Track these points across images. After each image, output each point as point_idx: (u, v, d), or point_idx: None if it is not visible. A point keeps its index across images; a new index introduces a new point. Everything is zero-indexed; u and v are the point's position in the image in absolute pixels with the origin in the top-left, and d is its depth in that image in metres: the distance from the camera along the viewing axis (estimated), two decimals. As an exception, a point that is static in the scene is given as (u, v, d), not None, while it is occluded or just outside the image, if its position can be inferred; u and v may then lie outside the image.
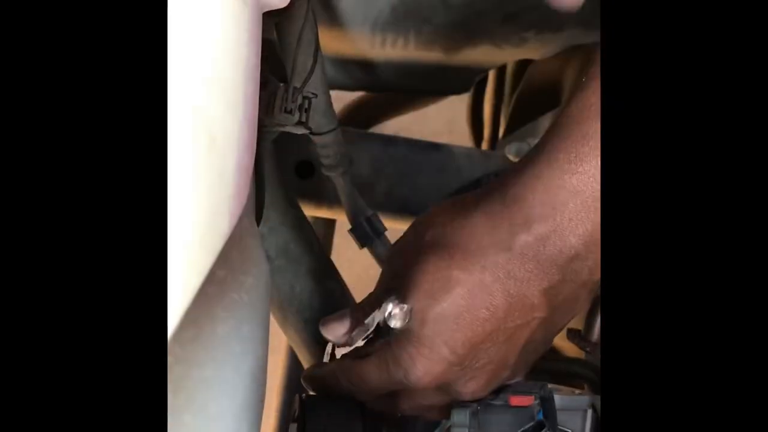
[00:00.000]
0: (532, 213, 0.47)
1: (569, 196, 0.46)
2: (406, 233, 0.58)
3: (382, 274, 0.59)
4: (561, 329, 0.55)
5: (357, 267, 1.31)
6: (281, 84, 0.56)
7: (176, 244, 0.28)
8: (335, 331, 0.60)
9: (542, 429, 0.54)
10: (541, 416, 0.55)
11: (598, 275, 0.49)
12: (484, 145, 1.07)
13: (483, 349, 0.52)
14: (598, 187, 0.45)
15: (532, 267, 0.49)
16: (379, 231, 0.70)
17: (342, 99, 0.96)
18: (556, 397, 0.58)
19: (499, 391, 0.55)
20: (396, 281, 0.55)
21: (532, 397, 0.55)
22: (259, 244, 0.46)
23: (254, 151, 0.42)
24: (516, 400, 0.55)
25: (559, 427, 0.58)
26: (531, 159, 0.48)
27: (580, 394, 0.60)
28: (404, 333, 0.53)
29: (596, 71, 0.46)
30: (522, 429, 0.54)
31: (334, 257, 0.95)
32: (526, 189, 0.47)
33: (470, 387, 0.54)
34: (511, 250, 0.48)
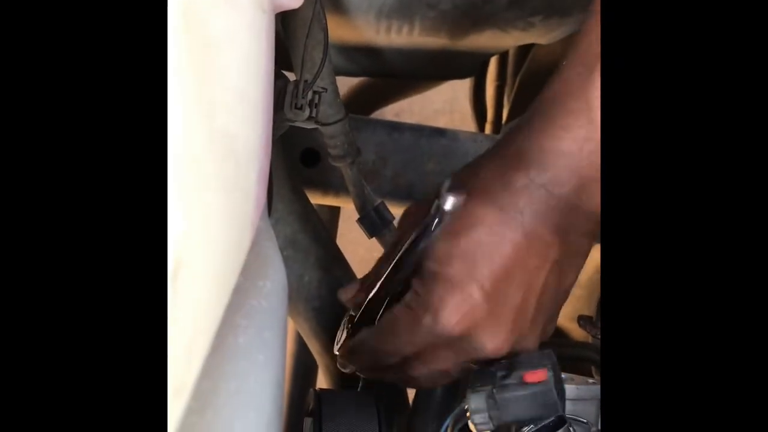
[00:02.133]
0: (531, 164, 0.54)
1: (559, 156, 0.53)
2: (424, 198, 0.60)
3: (400, 225, 0.61)
4: (566, 292, 0.58)
5: (361, 250, 1.31)
6: (291, 80, 0.56)
7: (204, 268, 0.27)
8: (344, 295, 0.62)
9: (563, 425, 0.54)
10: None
11: (592, 225, 0.55)
12: (488, 128, 1.06)
13: (506, 290, 0.54)
14: (582, 148, 0.53)
15: (540, 209, 0.54)
16: (388, 220, 0.70)
17: (345, 83, 0.96)
18: (570, 388, 0.58)
19: (511, 369, 0.55)
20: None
21: (546, 370, 0.54)
22: (275, 246, 0.45)
23: (270, 155, 0.42)
24: (530, 377, 0.55)
25: (574, 417, 0.58)
26: (528, 122, 0.55)
27: (593, 383, 0.60)
28: (434, 275, 0.54)
29: (573, 55, 0.54)
30: (543, 424, 0.54)
31: (338, 239, 0.95)
32: (523, 149, 0.54)
33: (494, 341, 0.55)
34: (515, 188, 0.54)
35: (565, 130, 0.53)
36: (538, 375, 0.54)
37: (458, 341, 0.55)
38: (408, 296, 0.56)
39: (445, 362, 0.57)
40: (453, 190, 0.54)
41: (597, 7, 0.52)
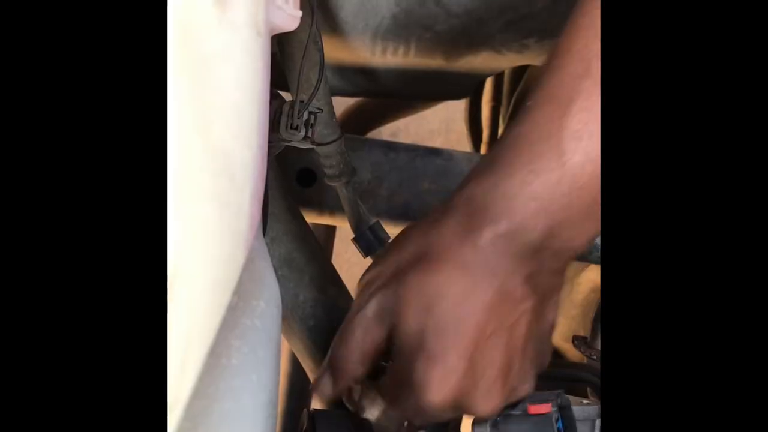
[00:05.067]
0: (496, 215, 0.52)
1: (528, 201, 0.51)
2: (382, 258, 0.57)
3: (358, 297, 0.58)
4: (551, 327, 0.57)
5: (356, 269, 1.31)
6: (287, 101, 0.56)
7: (197, 282, 0.28)
8: (323, 393, 0.59)
9: None
10: (561, 425, 0.55)
11: (561, 262, 0.54)
12: (483, 148, 1.07)
13: (488, 354, 0.53)
14: (554, 192, 0.50)
15: (507, 262, 0.52)
16: (383, 239, 0.70)
17: (341, 104, 0.96)
18: (569, 409, 0.58)
19: (517, 402, 0.56)
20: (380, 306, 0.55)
21: (550, 404, 0.55)
22: (269, 265, 0.46)
23: (265, 174, 0.42)
24: (534, 409, 0.55)
25: (569, 437, 0.58)
26: (490, 169, 0.53)
27: (588, 403, 0.60)
28: (410, 355, 0.53)
29: (540, 96, 0.52)
30: None
31: (334, 259, 0.95)
32: (487, 198, 0.52)
33: (487, 406, 0.54)
34: (481, 247, 0.52)
35: (535, 175, 0.50)
36: (542, 408, 0.55)
37: (450, 410, 0.55)
38: (388, 378, 0.55)
39: (440, 420, 0.57)
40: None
41: (563, 46, 0.51)
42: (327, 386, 0.58)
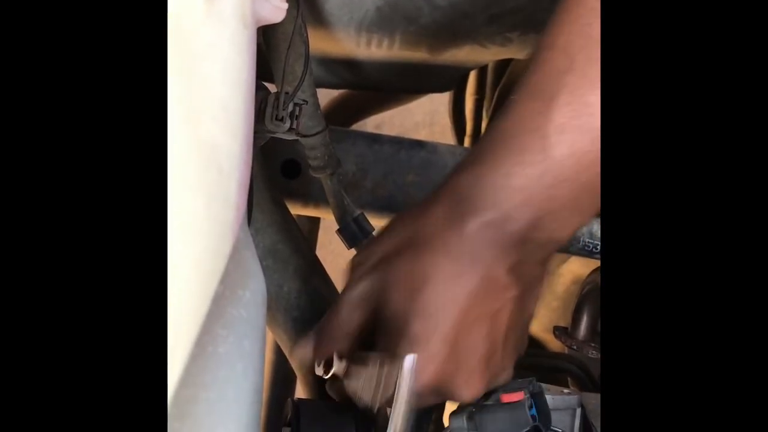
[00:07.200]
0: (482, 205, 0.53)
1: (513, 193, 0.52)
2: (372, 242, 0.59)
3: (347, 279, 0.59)
4: (531, 315, 0.58)
5: (341, 260, 1.31)
6: (272, 92, 0.56)
7: (185, 276, 0.28)
8: (302, 357, 0.60)
9: None
10: (534, 412, 0.56)
11: (545, 253, 0.55)
12: (467, 141, 1.08)
13: (470, 340, 0.54)
14: (538, 184, 0.51)
15: (493, 251, 0.53)
16: (367, 231, 0.71)
17: (325, 95, 0.96)
18: (546, 398, 0.59)
19: (491, 392, 0.57)
20: (369, 286, 0.56)
21: (523, 392, 0.56)
22: (254, 255, 0.46)
23: (251, 165, 0.42)
24: (507, 397, 0.56)
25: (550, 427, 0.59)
26: (476, 161, 0.54)
27: (568, 393, 0.61)
28: (394, 337, 0.54)
29: (525, 91, 0.53)
30: None
31: (318, 251, 0.95)
32: (473, 189, 0.53)
33: (467, 392, 0.55)
34: (467, 234, 0.53)
35: (520, 167, 0.52)
36: (514, 396, 0.56)
37: (432, 394, 0.55)
38: (376, 354, 0.55)
39: (420, 406, 0.57)
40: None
41: (547, 41, 0.52)
42: (308, 351, 0.60)
